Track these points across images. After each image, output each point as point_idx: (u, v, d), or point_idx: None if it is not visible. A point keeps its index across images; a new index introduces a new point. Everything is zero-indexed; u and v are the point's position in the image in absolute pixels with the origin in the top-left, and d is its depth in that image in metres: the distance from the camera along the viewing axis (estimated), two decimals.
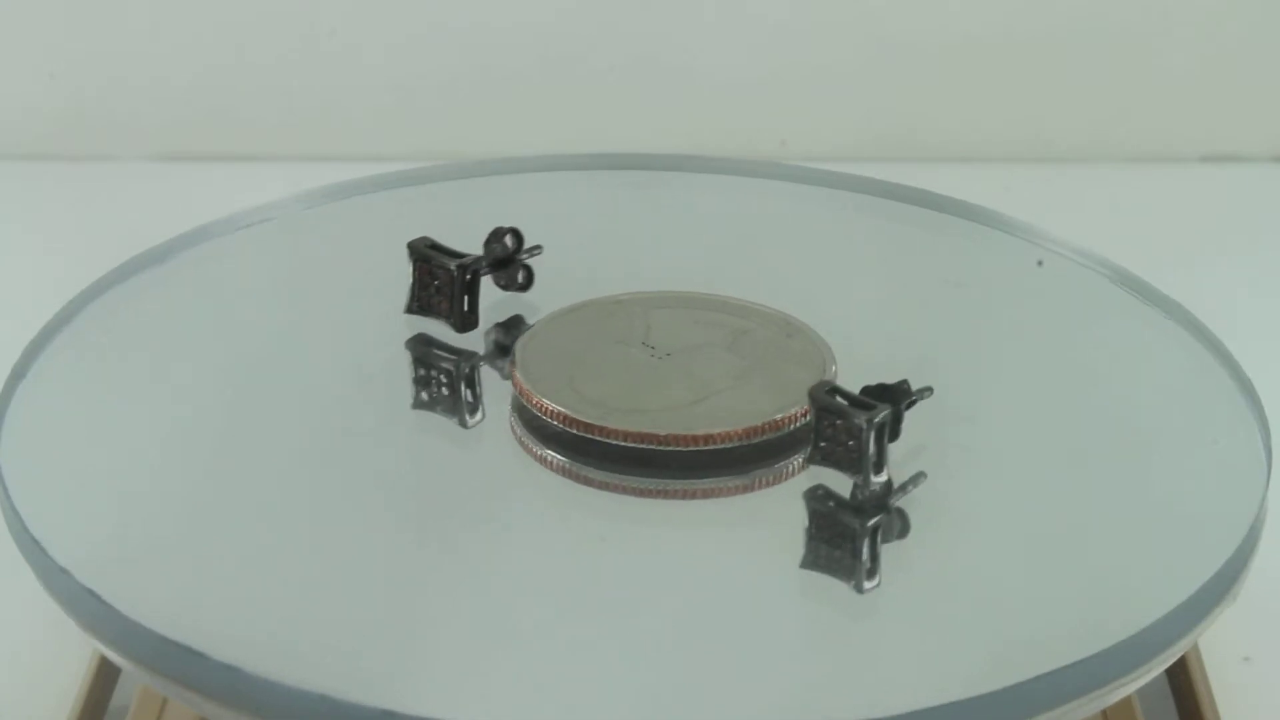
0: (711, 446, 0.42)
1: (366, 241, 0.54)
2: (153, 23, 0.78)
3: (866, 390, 0.41)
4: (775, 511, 0.42)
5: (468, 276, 0.46)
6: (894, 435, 0.41)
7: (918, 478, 0.41)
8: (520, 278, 0.48)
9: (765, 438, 0.42)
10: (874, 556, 0.40)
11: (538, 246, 0.48)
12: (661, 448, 0.42)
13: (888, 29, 0.78)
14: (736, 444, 0.42)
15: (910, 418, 0.44)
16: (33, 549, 0.40)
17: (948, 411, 0.45)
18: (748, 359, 0.44)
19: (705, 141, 0.57)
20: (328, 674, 0.36)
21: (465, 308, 0.46)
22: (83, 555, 0.39)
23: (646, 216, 0.56)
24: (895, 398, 0.41)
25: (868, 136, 0.78)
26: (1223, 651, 0.50)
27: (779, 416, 0.42)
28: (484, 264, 0.47)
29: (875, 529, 0.40)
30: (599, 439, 0.42)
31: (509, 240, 0.48)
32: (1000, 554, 0.41)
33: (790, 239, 0.55)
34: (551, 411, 0.42)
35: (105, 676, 0.49)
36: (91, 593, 0.38)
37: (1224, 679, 0.49)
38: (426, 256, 0.46)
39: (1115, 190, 0.77)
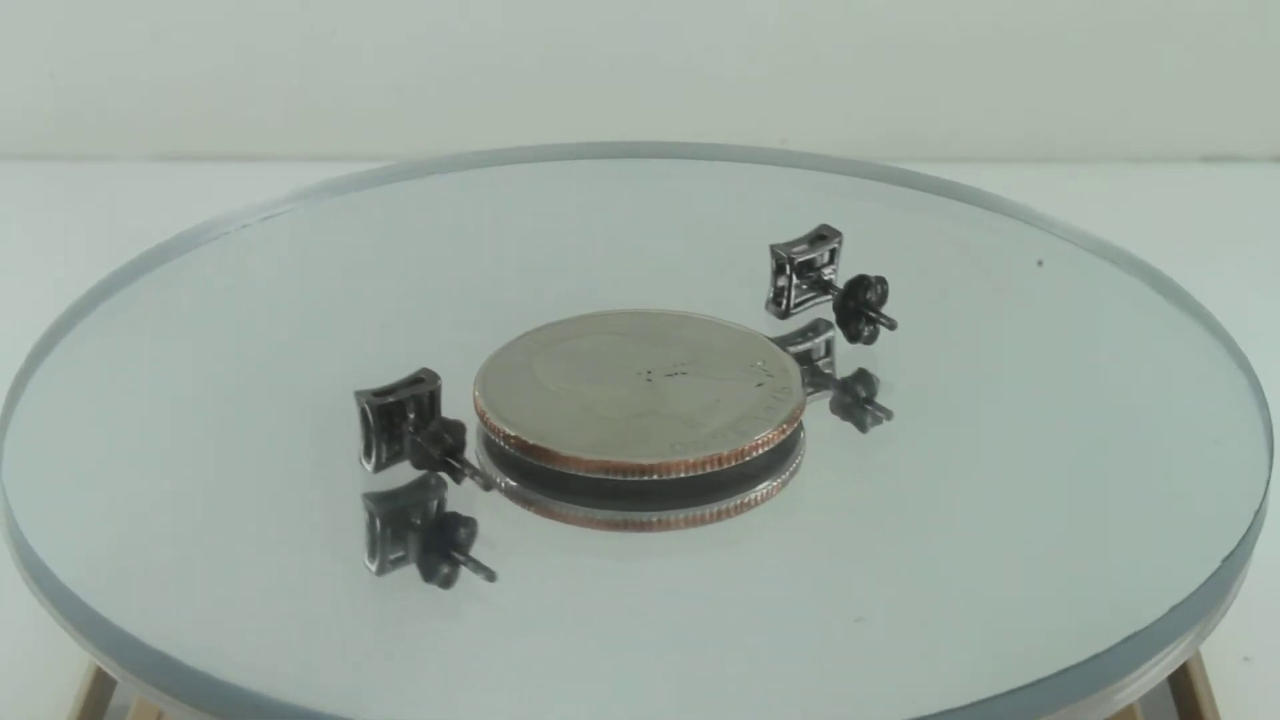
0: (669, 476, 0.41)
1: (367, 240, 0.54)
2: (153, 23, 0.78)
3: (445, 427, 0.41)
4: (742, 538, 0.42)
5: (792, 271, 0.47)
6: (453, 476, 0.41)
7: (489, 572, 0.39)
8: (854, 328, 0.47)
9: (721, 468, 0.41)
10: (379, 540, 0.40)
11: (891, 321, 0.47)
12: (623, 478, 0.41)
13: (888, 28, 0.78)
14: (691, 474, 0.41)
15: (907, 414, 0.44)
16: (32, 560, 0.40)
17: (947, 407, 0.45)
18: (710, 382, 0.44)
19: (705, 140, 0.57)
20: (315, 690, 0.36)
21: (773, 295, 0.48)
22: (81, 567, 0.39)
23: (639, 211, 0.56)
24: (444, 430, 0.41)
25: (868, 135, 0.78)
26: (1223, 651, 0.50)
27: (737, 448, 0.41)
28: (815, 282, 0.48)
29: (374, 516, 0.40)
30: (550, 466, 0.41)
31: (864, 290, 0.47)
32: (997, 555, 0.41)
33: (787, 230, 0.54)
34: (506, 435, 0.42)
35: (104, 677, 0.49)
36: (87, 606, 0.38)
37: (1224, 679, 0.49)
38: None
39: (1115, 190, 0.77)
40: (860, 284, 0.46)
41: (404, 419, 0.41)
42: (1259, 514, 0.41)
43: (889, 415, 0.44)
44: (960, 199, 0.54)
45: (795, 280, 0.47)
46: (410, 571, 0.40)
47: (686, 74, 0.79)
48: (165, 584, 0.40)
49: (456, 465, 0.41)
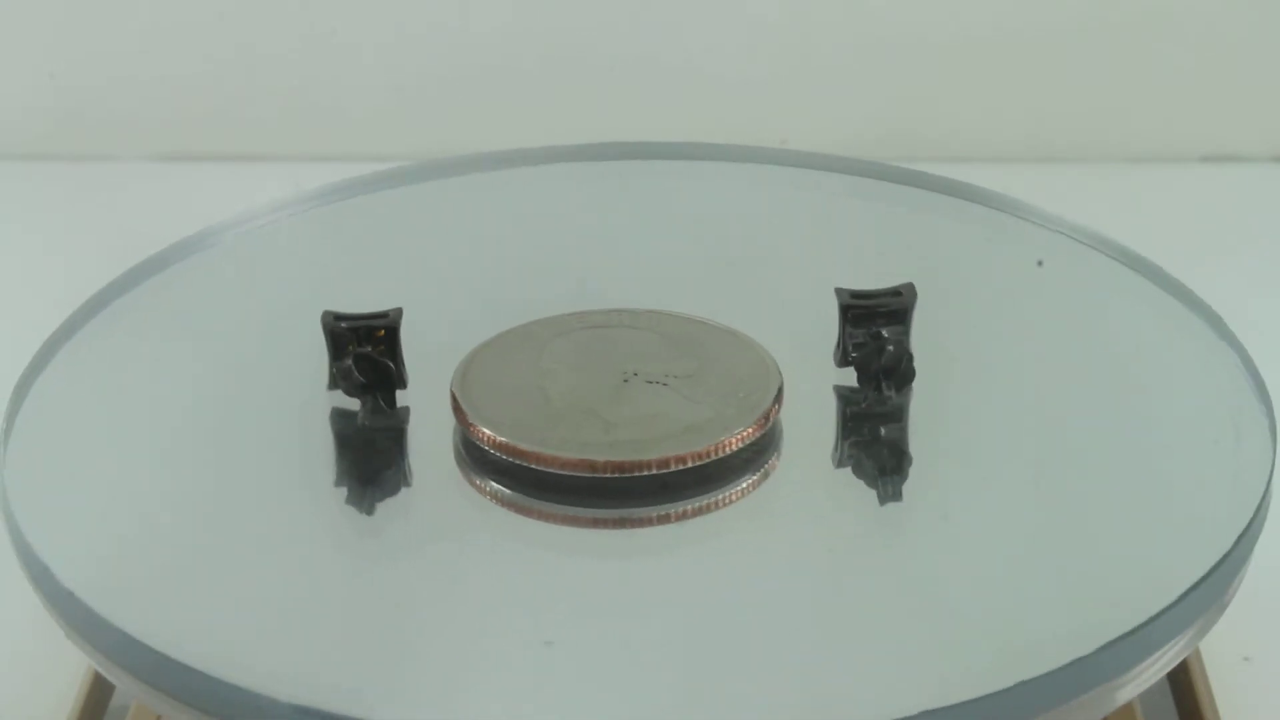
0: (640, 474, 0.42)
1: (369, 244, 0.54)
2: (152, 23, 0.78)
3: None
4: (720, 534, 0.42)
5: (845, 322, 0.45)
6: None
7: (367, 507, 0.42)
8: (865, 391, 0.45)
9: (696, 465, 0.42)
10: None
11: (888, 396, 0.45)
12: (597, 475, 0.42)
13: (889, 28, 0.78)
14: (663, 471, 0.42)
15: (911, 408, 0.44)
16: (35, 566, 0.40)
17: (946, 403, 0.45)
18: (679, 398, 0.44)
19: (705, 140, 0.57)
20: (312, 689, 0.36)
21: (838, 340, 0.46)
22: (81, 569, 0.39)
23: (640, 212, 0.56)
24: (359, 365, 0.44)
25: (868, 135, 0.78)
26: (1223, 651, 0.50)
27: (765, 410, 0.42)
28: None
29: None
30: (529, 465, 0.42)
31: (878, 356, 0.45)
32: (996, 551, 0.41)
33: (784, 228, 0.54)
34: (484, 436, 0.42)
35: (104, 679, 0.49)
36: (88, 608, 0.38)
37: (1224, 679, 0.49)
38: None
39: (1115, 190, 0.77)
40: (876, 350, 0.45)
41: (358, 346, 0.44)
42: (1259, 512, 0.41)
43: (898, 497, 0.43)
44: (961, 197, 0.54)
45: (850, 330, 0.45)
46: (411, 572, 0.41)
47: (686, 74, 0.79)
48: (166, 587, 0.40)
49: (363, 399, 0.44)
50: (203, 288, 0.51)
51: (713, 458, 0.42)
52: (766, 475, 0.43)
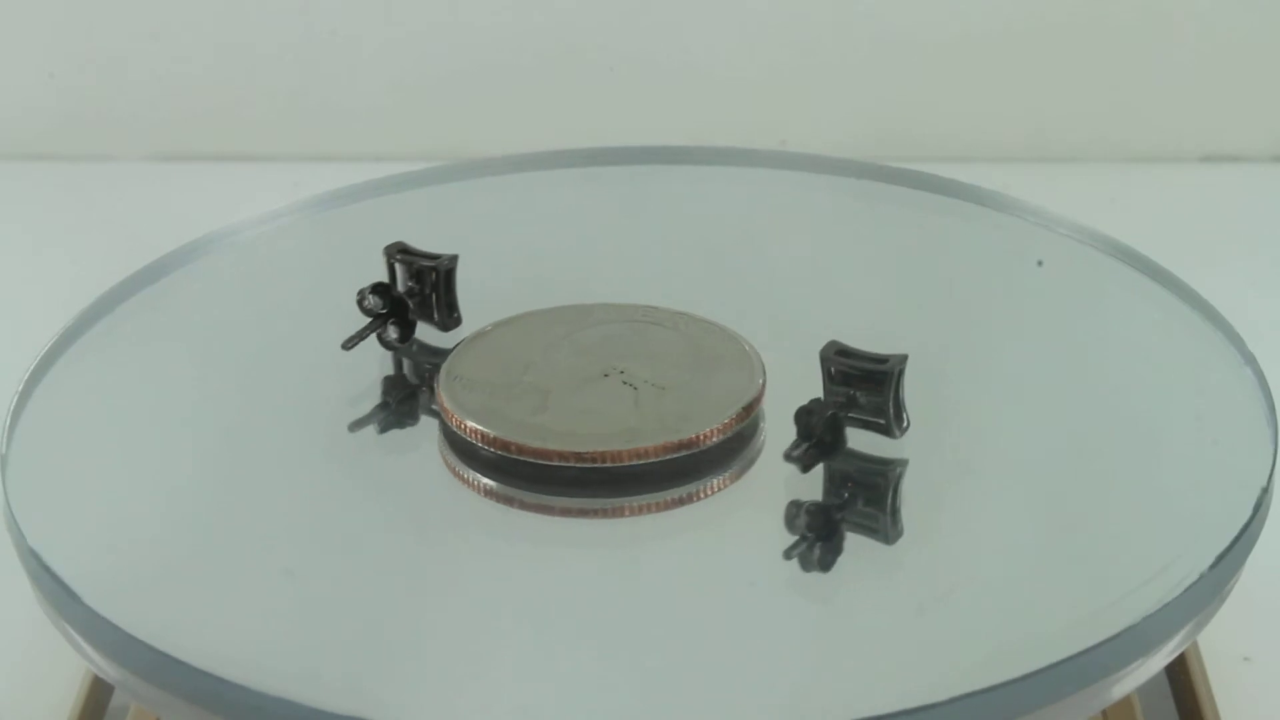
0: (616, 464, 0.42)
1: (366, 249, 0.54)
2: (152, 23, 0.78)
3: None
4: (699, 527, 0.42)
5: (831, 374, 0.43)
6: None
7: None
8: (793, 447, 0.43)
9: (674, 456, 0.42)
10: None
11: (804, 463, 0.43)
12: (571, 465, 0.42)
13: (888, 28, 0.78)
14: (641, 463, 0.42)
15: (910, 407, 0.44)
16: (38, 569, 0.40)
17: (945, 401, 0.45)
18: (630, 406, 0.43)
19: (705, 141, 0.58)
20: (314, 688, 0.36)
21: None
22: (82, 569, 0.39)
23: (640, 215, 0.56)
24: (373, 290, 0.46)
25: (868, 136, 0.78)
26: (1223, 651, 0.50)
27: (690, 435, 0.42)
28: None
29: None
30: (508, 455, 0.42)
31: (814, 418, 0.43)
32: (994, 547, 0.41)
33: (783, 229, 0.54)
34: (466, 428, 0.42)
35: (103, 680, 0.49)
36: (94, 611, 0.38)
37: (1224, 679, 0.49)
38: None
39: (1115, 190, 0.77)
40: (806, 410, 0.42)
41: (407, 280, 0.47)
42: (1259, 509, 0.41)
43: (827, 567, 0.41)
44: (961, 198, 0.54)
45: (831, 385, 0.43)
46: (409, 571, 0.41)
47: (686, 75, 0.79)
48: (166, 587, 0.40)
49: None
50: (206, 292, 0.51)
51: (596, 464, 0.42)
52: (687, 499, 0.42)
